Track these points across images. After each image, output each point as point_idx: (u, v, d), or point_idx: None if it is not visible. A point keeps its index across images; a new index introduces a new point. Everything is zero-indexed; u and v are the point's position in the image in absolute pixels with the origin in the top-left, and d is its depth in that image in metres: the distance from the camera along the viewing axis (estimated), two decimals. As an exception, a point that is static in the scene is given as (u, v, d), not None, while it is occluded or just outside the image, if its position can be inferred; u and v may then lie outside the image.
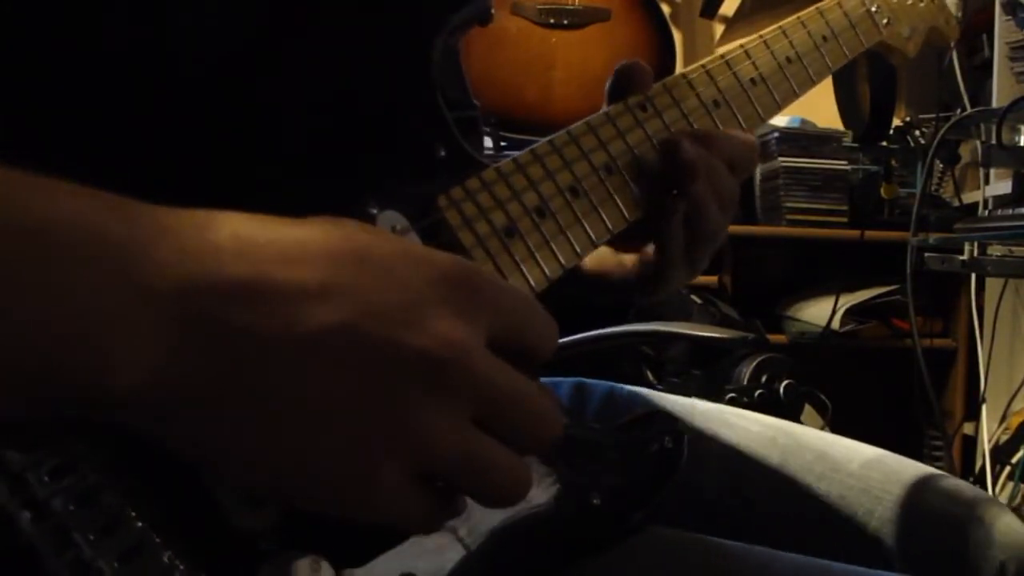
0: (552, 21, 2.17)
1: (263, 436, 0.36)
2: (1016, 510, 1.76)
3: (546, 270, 0.53)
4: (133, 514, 0.36)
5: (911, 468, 0.74)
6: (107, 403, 0.34)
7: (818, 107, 2.43)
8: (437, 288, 0.39)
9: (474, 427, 0.39)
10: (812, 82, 0.72)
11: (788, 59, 0.70)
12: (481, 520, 0.44)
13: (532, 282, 0.52)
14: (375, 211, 0.48)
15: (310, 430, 0.36)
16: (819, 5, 0.74)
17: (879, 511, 0.70)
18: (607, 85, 0.64)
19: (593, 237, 0.56)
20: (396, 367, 0.37)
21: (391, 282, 0.38)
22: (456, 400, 0.38)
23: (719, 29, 2.65)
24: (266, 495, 0.39)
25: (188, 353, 0.35)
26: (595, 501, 0.51)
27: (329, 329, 0.36)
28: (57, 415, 0.35)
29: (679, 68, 2.32)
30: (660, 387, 1.82)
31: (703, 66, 0.66)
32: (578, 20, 2.18)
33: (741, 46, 0.68)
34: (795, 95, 0.71)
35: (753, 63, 0.68)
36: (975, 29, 2.15)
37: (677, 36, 2.44)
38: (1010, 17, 1.95)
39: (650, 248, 0.65)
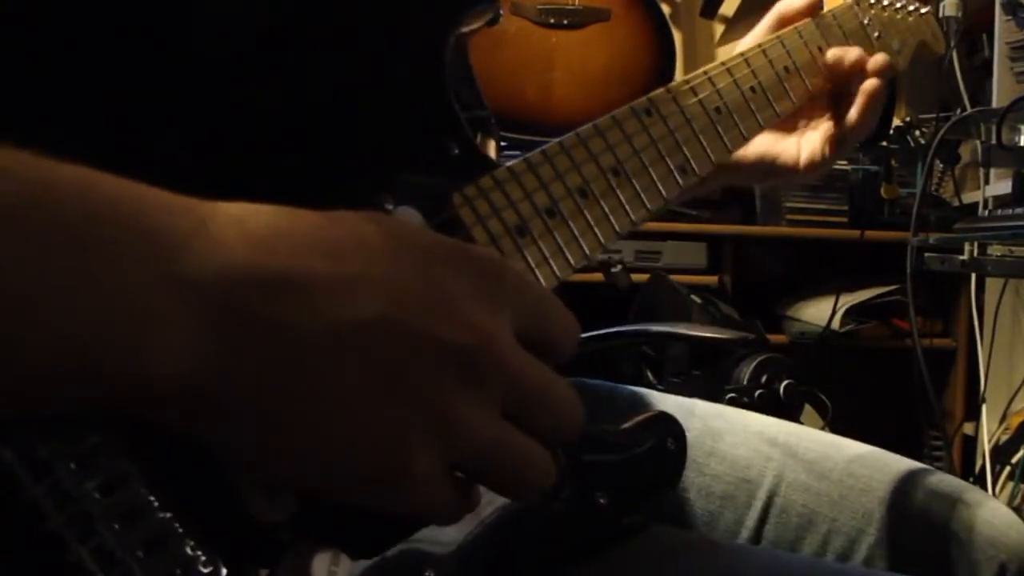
0: (552, 21, 2.17)
1: (298, 427, 0.36)
2: (1016, 510, 1.76)
3: (556, 269, 0.54)
4: (156, 504, 0.36)
5: (912, 469, 0.74)
6: (142, 395, 0.35)
7: (818, 107, 2.43)
8: (467, 280, 0.39)
9: (501, 417, 0.39)
10: (809, 92, 0.74)
11: (786, 68, 0.71)
12: (480, 512, 0.44)
13: (543, 281, 0.53)
14: (390, 207, 0.48)
15: (345, 421, 0.36)
16: (814, 17, 0.76)
17: (880, 511, 0.70)
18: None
19: (601, 238, 0.57)
20: (429, 358, 0.37)
21: (423, 274, 0.39)
22: (486, 390, 0.38)
23: (719, 29, 2.65)
24: (297, 486, 0.39)
25: (224, 345, 0.35)
26: (601, 501, 0.51)
27: (364, 321, 0.37)
28: (88, 404, 0.35)
29: (679, 68, 2.32)
30: (660, 387, 1.82)
31: (705, 73, 0.67)
32: (578, 20, 2.18)
33: (741, 54, 0.69)
34: (793, 104, 0.73)
35: (752, 72, 0.69)
36: (975, 29, 2.15)
37: (677, 36, 2.44)
38: (1010, 17, 1.95)
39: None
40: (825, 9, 0.78)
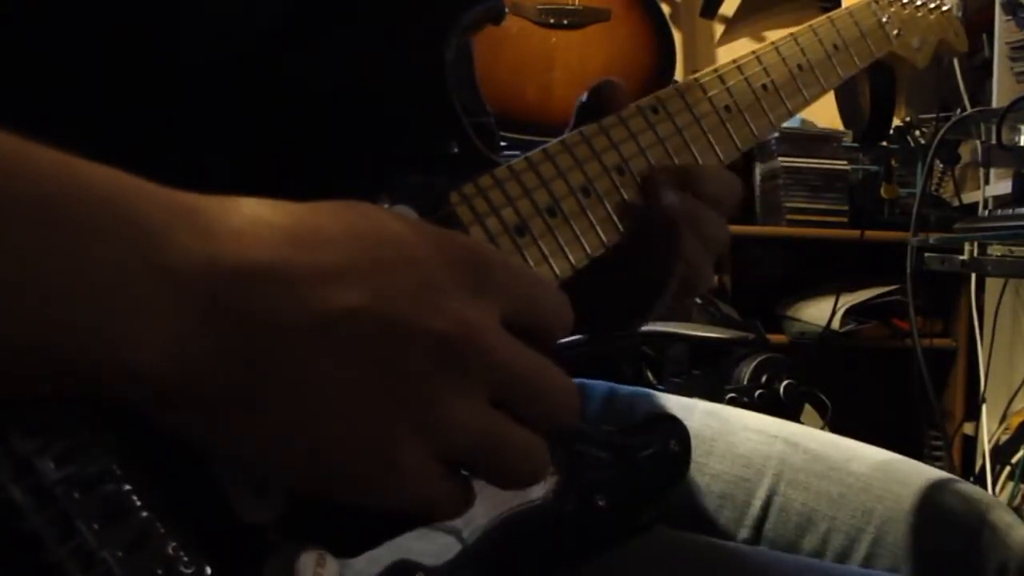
0: (552, 21, 2.17)
1: (282, 419, 0.36)
2: (1016, 510, 1.76)
3: (557, 269, 0.53)
4: (138, 503, 0.36)
5: (912, 468, 0.74)
6: (124, 383, 0.34)
7: (818, 107, 2.41)
8: (452, 268, 0.39)
9: (491, 407, 0.39)
10: (824, 89, 0.72)
11: (800, 66, 0.70)
12: (478, 513, 0.44)
13: None
14: (387, 205, 0.48)
15: (330, 412, 0.36)
16: (830, 14, 0.74)
17: (879, 510, 0.70)
18: (580, 102, 0.63)
19: (604, 238, 0.56)
20: (414, 348, 0.37)
21: (407, 263, 0.38)
22: (473, 379, 0.38)
23: (719, 29, 2.65)
24: (283, 481, 0.39)
25: (208, 335, 0.35)
26: (600, 503, 0.51)
27: (348, 312, 0.36)
28: (73, 394, 0.35)
29: (679, 68, 2.32)
30: (660, 387, 1.82)
31: (715, 70, 0.66)
32: (578, 20, 2.18)
33: (753, 52, 0.68)
34: (807, 102, 0.71)
35: (765, 69, 0.68)
36: (975, 29, 2.15)
37: (677, 36, 2.44)
38: (1010, 17, 1.96)
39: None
40: (843, 6, 0.77)
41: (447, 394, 0.37)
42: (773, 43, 0.70)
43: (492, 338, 0.39)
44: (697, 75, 0.65)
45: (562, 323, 0.43)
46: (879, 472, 0.72)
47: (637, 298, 0.62)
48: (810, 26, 0.73)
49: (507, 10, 0.57)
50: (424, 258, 0.39)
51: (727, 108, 0.65)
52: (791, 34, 0.71)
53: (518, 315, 0.40)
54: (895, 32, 0.79)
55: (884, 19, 0.78)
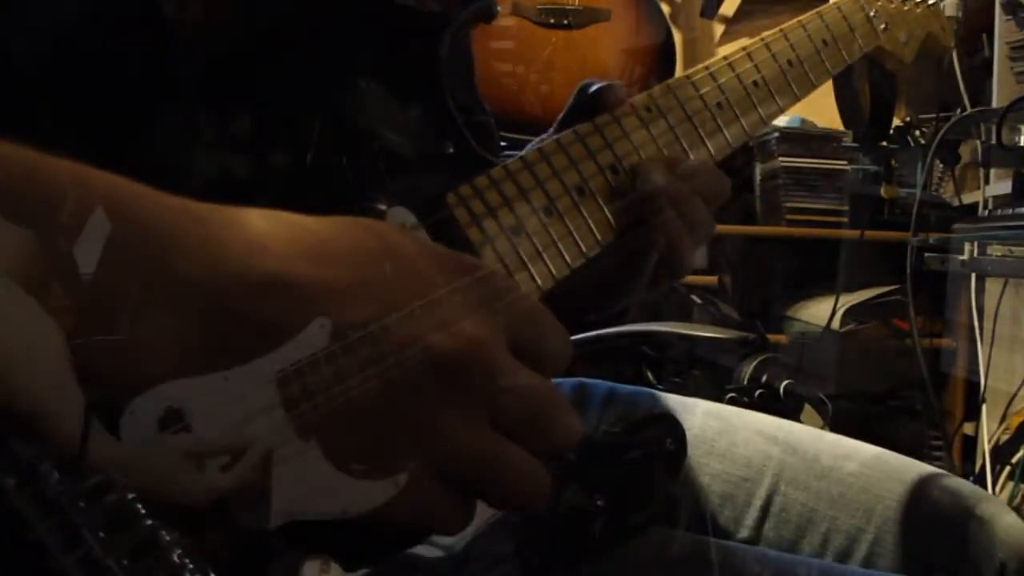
0: (552, 21, 2.17)
1: None
2: (1016, 510, 1.76)
3: (552, 269, 0.53)
4: (142, 510, 0.36)
5: (911, 467, 0.74)
6: (127, 388, 0.34)
7: (818, 107, 2.43)
8: (460, 289, 0.39)
9: (490, 428, 0.39)
10: (813, 85, 0.73)
11: (789, 62, 0.70)
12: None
13: (539, 281, 0.53)
14: (384, 207, 0.48)
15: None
16: (819, 9, 0.75)
17: (879, 509, 0.70)
18: (573, 100, 0.63)
19: (599, 237, 0.56)
20: (418, 364, 0.37)
21: (415, 282, 0.39)
22: (475, 398, 0.38)
23: (719, 29, 2.65)
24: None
25: (211, 343, 0.35)
26: (599, 502, 0.51)
27: (352, 326, 0.36)
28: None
29: (679, 68, 2.32)
30: (660, 387, 1.82)
31: (706, 67, 0.66)
32: (578, 20, 2.18)
33: (743, 48, 0.68)
34: (796, 98, 0.71)
35: (755, 66, 0.68)
36: (975, 29, 2.15)
37: (677, 36, 2.44)
38: (1010, 17, 1.96)
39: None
40: (831, 1, 0.77)
41: (449, 410, 0.38)
42: (763, 39, 0.70)
43: (498, 358, 0.39)
44: (689, 72, 0.65)
45: (562, 355, 0.42)
46: (879, 472, 0.72)
47: (616, 276, 0.62)
48: (799, 22, 0.73)
49: (498, 9, 0.57)
50: (434, 278, 0.39)
51: (719, 105, 0.65)
52: (780, 30, 0.71)
53: (521, 342, 0.40)
54: (882, 27, 0.79)
55: (872, 13, 0.78)
